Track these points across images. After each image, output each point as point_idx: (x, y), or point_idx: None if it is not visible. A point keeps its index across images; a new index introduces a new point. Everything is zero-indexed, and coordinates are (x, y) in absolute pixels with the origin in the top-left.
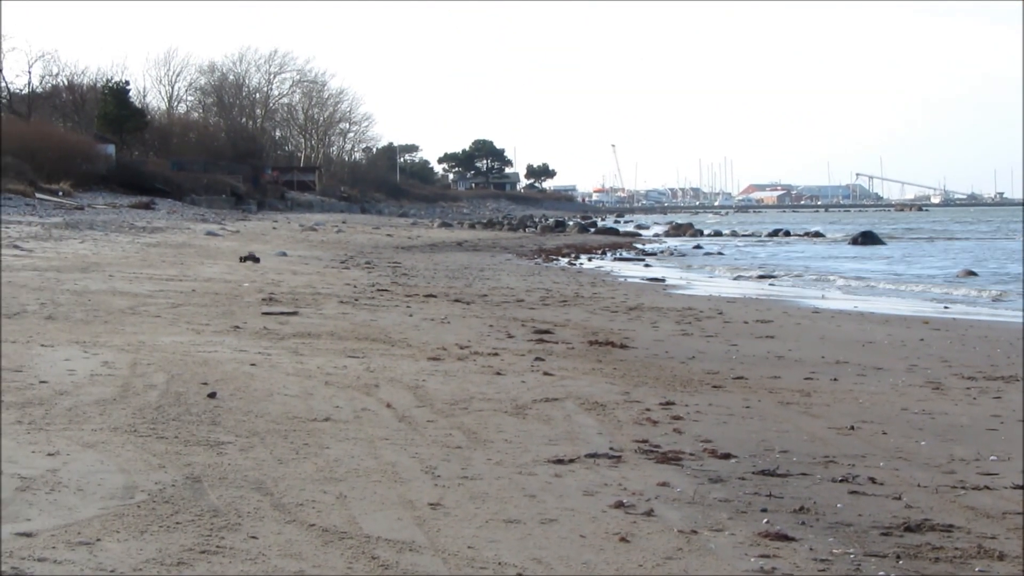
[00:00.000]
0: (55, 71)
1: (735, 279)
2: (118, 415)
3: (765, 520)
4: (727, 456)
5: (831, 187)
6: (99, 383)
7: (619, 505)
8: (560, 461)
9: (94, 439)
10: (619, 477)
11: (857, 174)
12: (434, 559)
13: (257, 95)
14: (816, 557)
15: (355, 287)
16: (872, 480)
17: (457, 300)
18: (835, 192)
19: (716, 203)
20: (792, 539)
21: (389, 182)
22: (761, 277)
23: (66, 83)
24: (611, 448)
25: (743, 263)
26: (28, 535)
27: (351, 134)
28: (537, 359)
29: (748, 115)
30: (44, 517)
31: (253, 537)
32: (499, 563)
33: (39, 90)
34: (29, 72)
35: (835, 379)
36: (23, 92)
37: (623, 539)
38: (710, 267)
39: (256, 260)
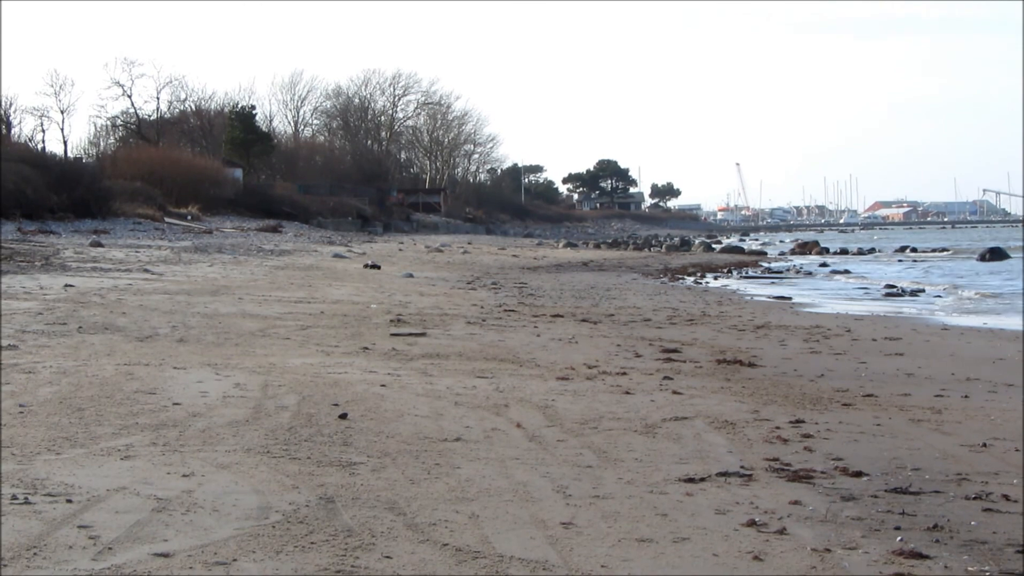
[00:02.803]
0: (183, 97)
1: (862, 296)
2: (251, 436)
3: (899, 538)
4: (859, 474)
5: (958, 203)
6: (231, 405)
7: (751, 523)
8: (691, 480)
9: (228, 460)
10: (750, 495)
11: (984, 190)
12: None
13: (382, 118)
14: (951, 575)
15: (482, 307)
16: (1006, 497)
17: (584, 320)
18: (962, 208)
19: (841, 220)
20: (927, 557)
21: (514, 203)
22: (888, 295)
23: (194, 108)
24: (742, 466)
25: (870, 281)
26: (166, 555)
27: (476, 155)
28: (665, 378)
29: (873, 132)
30: (181, 538)
31: (387, 557)
32: None
33: (167, 116)
34: (158, 98)
35: (966, 396)
36: (152, 118)
37: (756, 558)
38: (837, 285)
39: (377, 267)
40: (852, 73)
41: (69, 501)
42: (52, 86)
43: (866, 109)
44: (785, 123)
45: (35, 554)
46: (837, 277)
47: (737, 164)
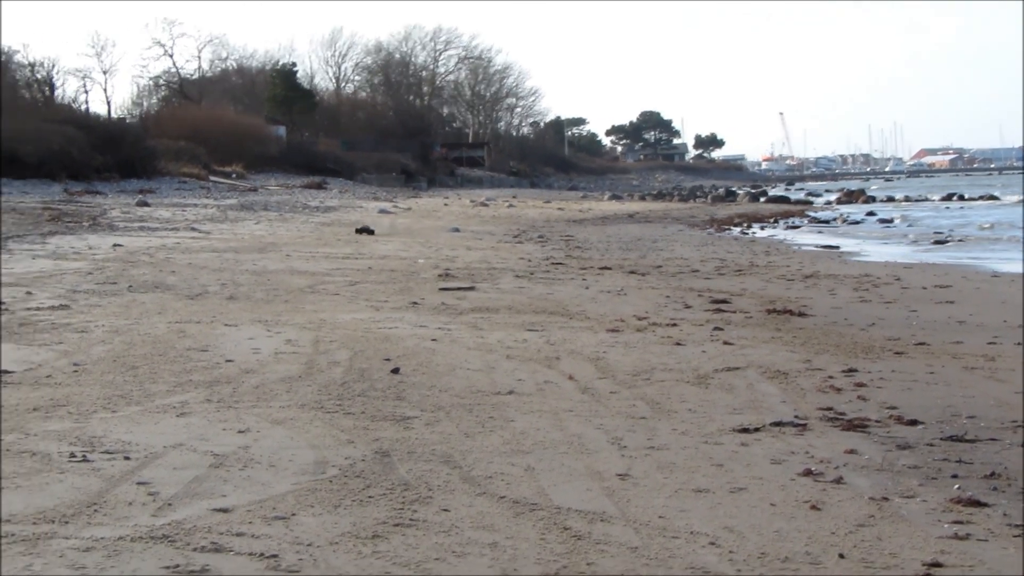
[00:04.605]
0: (224, 55)
1: (911, 245)
2: (304, 392)
3: (956, 486)
4: (914, 422)
5: (1004, 149)
6: (284, 361)
7: (808, 473)
8: (745, 430)
9: (282, 416)
10: (806, 445)
11: None
12: (626, 529)
13: (423, 73)
14: (1010, 523)
15: (530, 261)
16: None
17: (632, 271)
18: (1008, 155)
19: (887, 169)
20: (985, 504)
21: (557, 156)
22: (937, 242)
23: (235, 67)
24: (796, 416)
25: (918, 228)
26: (225, 511)
27: (518, 109)
28: (716, 328)
29: (917, 79)
30: (239, 493)
31: (445, 510)
32: (691, 532)
33: (209, 75)
34: (199, 57)
35: (1019, 343)
36: (194, 77)
37: (814, 507)
38: (884, 233)
39: (371, 232)
40: (896, 17)
41: (127, 458)
42: (94, 47)
43: (910, 54)
44: (829, 71)
45: (96, 510)
46: (885, 225)
47: (781, 113)
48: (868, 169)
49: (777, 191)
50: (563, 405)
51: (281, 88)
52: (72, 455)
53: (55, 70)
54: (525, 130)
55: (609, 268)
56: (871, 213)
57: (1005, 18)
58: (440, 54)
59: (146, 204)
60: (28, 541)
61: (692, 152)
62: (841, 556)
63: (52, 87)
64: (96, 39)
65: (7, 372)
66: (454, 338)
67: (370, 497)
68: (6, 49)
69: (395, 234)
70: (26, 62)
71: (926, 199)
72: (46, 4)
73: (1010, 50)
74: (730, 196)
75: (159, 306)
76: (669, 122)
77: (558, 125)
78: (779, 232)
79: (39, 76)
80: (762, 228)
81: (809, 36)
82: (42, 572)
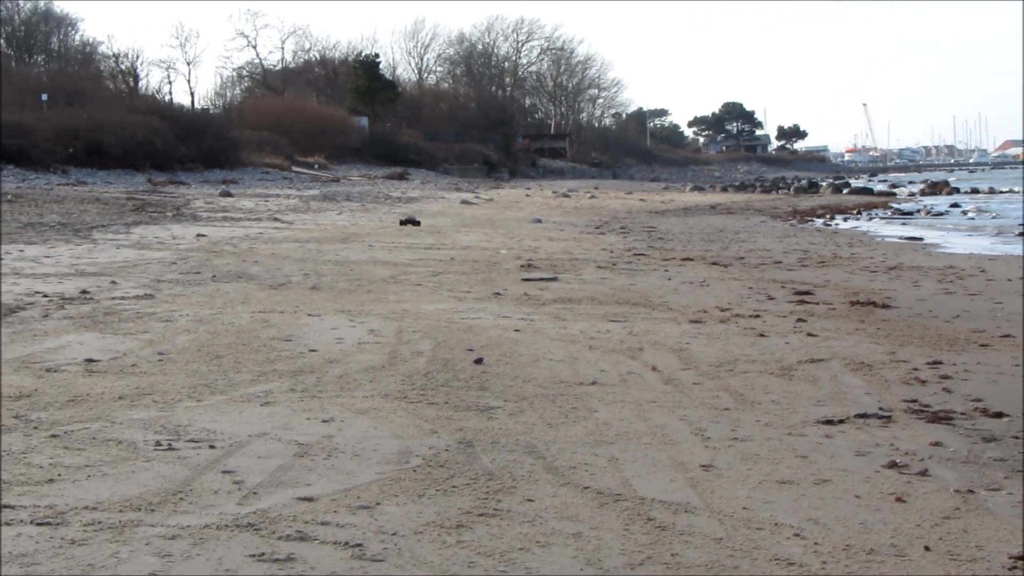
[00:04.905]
0: (307, 46)
1: (995, 236)
2: (388, 382)
3: None
4: (999, 415)
5: None
6: (367, 351)
7: (892, 465)
8: (829, 422)
9: (366, 406)
10: (890, 437)
11: None
12: (710, 520)
13: (506, 64)
14: None
15: (612, 252)
16: None
17: (714, 263)
18: None
19: (971, 160)
20: None
21: (639, 147)
22: (1022, 234)
23: (318, 58)
24: (880, 408)
25: (1003, 220)
26: (310, 500)
27: (600, 100)
28: (799, 320)
29: (1002, 69)
30: (324, 482)
31: (529, 500)
32: (775, 524)
33: (292, 65)
34: (282, 48)
35: None
36: (277, 68)
37: (899, 499)
38: (969, 225)
39: (416, 224)
40: (979, 8)
41: (212, 447)
42: (178, 38)
43: (994, 45)
44: (913, 61)
45: (181, 499)
46: (969, 217)
47: (864, 105)
48: (952, 161)
49: (860, 182)
50: (646, 396)
51: (364, 79)
52: (158, 443)
53: (139, 61)
54: (607, 121)
55: (691, 259)
56: (955, 205)
57: None
58: (522, 45)
59: (229, 194)
60: (115, 529)
61: (775, 143)
62: (927, 548)
63: (136, 78)
64: (180, 30)
65: (93, 361)
66: (537, 328)
67: (454, 487)
68: (91, 40)
69: (477, 225)
70: (111, 53)
71: (1010, 191)
72: None
73: None
74: (813, 187)
75: (243, 296)
76: (752, 113)
77: (640, 116)
78: (862, 223)
79: (123, 67)
80: (845, 219)
81: (893, 28)
82: (128, 560)
